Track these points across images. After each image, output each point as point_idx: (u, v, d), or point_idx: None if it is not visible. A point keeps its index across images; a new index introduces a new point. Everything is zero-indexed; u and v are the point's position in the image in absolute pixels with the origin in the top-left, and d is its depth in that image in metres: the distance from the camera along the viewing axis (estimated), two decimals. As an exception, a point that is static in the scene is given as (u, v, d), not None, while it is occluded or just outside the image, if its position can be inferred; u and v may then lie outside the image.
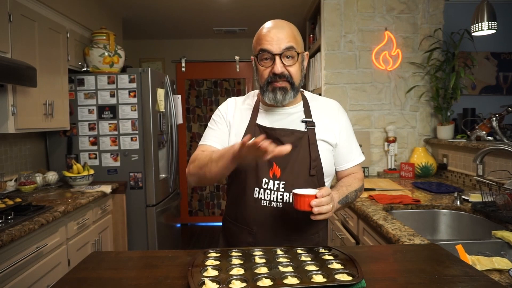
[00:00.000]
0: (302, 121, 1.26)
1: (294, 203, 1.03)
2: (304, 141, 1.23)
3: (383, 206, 1.95)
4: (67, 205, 2.14)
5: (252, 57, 1.24)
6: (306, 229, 1.26)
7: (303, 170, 1.22)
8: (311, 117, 1.27)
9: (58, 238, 2.06)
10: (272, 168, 1.22)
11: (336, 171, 1.34)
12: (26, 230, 1.72)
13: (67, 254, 2.15)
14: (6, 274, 1.61)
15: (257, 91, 1.35)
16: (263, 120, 1.28)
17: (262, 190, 1.22)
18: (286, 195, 1.21)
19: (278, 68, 1.16)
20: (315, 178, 1.23)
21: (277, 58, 1.16)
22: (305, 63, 1.27)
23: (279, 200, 1.21)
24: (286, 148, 0.97)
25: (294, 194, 1.03)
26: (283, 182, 1.21)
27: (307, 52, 1.27)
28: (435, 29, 2.98)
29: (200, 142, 1.33)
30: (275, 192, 1.21)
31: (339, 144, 1.29)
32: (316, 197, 1.01)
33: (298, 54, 1.19)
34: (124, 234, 2.92)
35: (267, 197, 1.22)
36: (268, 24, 1.21)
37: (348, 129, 1.32)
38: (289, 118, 1.27)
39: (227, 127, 1.31)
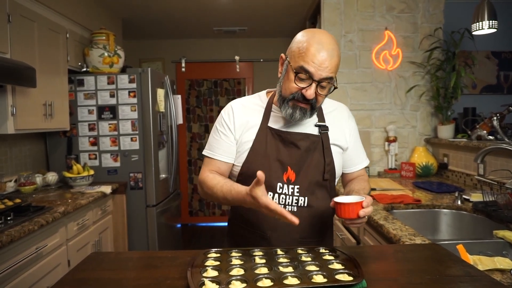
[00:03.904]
0: (316, 125, 1.24)
1: (339, 212, 1.03)
2: (319, 145, 1.23)
3: (383, 206, 1.95)
4: (67, 206, 2.13)
5: (284, 56, 1.18)
6: (320, 231, 1.27)
7: (317, 174, 1.22)
8: (324, 121, 1.26)
9: (58, 238, 2.06)
10: (286, 172, 1.20)
11: (342, 173, 1.35)
12: (26, 231, 1.72)
13: (67, 255, 2.15)
14: (6, 275, 1.61)
15: (265, 92, 1.33)
16: (275, 123, 1.24)
17: (276, 195, 1.20)
18: (301, 199, 1.20)
19: (312, 94, 1.11)
20: (328, 182, 1.24)
21: (314, 85, 1.11)
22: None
23: (293, 204, 1.21)
24: (295, 221, 0.97)
25: (338, 203, 1.03)
26: (298, 186, 1.20)
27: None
28: (436, 28, 2.97)
29: (206, 152, 1.28)
30: (290, 197, 1.20)
31: (349, 147, 1.30)
32: (362, 206, 1.02)
33: (334, 87, 1.16)
34: (125, 235, 2.92)
35: (282, 201, 1.21)
36: (320, 42, 1.10)
37: (356, 132, 1.34)
38: (302, 122, 1.23)
39: (233, 136, 1.25)
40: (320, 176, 1.22)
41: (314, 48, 1.09)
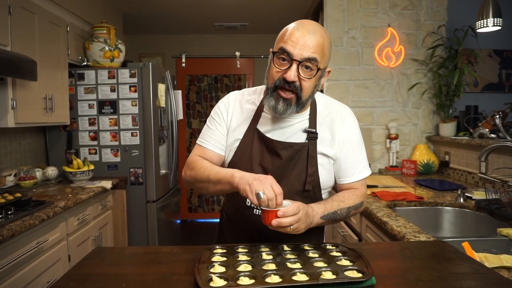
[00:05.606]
0: (304, 131, 1.15)
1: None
2: (303, 154, 1.13)
3: (386, 203, 1.94)
4: (67, 201, 2.12)
5: (270, 49, 1.11)
6: (298, 238, 1.16)
7: (298, 184, 1.14)
8: (315, 127, 1.16)
9: (59, 233, 2.05)
10: None
11: (336, 183, 1.23)
12: (27, 225, 1.70)
13: (67, 250, 2.14)
14: (6, 270, 1.59)
15: (264, 88, 1.28)
16: (264, 125, 1.18)
17: None
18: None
19: (291, 75, 1.03)
20: (311, 192, 1.16)
21: (294, 65, 1.03)
22: (324, 79, 1.12)
23: None
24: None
25: (261, 209, 0.96)
26: None
27: (329, 69, 1.14)
28: (439, 26, 2.96)
29: (199, 141, 1.25)
30: None
31: (340, 156, 1.17)
32: (277, 215, 0.93)
33: (318, 69, 1.05)
34: (124, 230, 2.91)
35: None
36: (299, 22, 1.07)
37: (354, 140, 1.19)
38: (292, 127, 1.17)
39: (226, 128, 1.22)
40: (301, 187, 1.14)
41: (293, 27, 1.06)
